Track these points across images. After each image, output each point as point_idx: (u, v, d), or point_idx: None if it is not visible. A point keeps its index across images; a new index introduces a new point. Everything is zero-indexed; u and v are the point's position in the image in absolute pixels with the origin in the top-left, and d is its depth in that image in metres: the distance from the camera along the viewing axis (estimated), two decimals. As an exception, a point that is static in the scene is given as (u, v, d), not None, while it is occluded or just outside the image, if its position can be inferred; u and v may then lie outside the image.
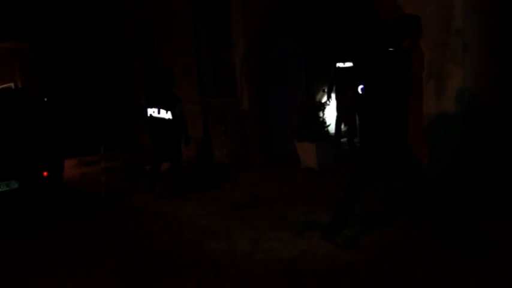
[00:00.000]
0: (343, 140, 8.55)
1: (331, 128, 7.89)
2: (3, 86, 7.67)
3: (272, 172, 7.30)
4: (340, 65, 8.09)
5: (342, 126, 8.49)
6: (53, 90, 11.10)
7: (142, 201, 6.41)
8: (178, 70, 9.50)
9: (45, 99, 9.55)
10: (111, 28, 11.82)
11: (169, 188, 6.42)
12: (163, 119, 6.09)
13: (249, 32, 7.70)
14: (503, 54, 5.17)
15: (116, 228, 5.42)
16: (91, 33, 11.71)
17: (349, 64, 8.00)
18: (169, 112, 6.06)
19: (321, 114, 7.10)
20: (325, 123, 7.06)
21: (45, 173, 6.09)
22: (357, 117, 8.11)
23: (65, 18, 11.48)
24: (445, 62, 4.99)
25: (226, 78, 8.74)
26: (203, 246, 4.58)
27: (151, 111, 6.19)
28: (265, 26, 7.49)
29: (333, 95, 8.21)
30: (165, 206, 6.07)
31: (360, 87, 5.55)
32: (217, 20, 8.68)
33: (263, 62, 7.85)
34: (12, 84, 7.60)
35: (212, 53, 8.98)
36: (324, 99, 8.13)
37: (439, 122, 5.14)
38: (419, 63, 5.20)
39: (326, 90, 8.39)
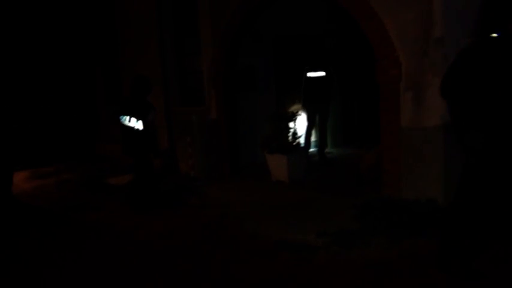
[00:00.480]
0: (312, 151, 8.28)
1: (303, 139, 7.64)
2: None
3: (242, 185, 6.93)
4: (310, 74, 7.87)
5: (312, 137, 8.24)
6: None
7: (102, 218, 5.91)
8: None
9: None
10: (74, 30, 11.10)
11: (133, 203, 5.98)
12: (133, 128, 5.79)
13: (217, 37, 7.34)
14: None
15: (67, 249, 4.92)
16: (52, 34, 10.96)
17: (321, 73, 7.79)
18: (140, 121, 5.74)
19: (292, 125, 6.80)
20: (297, 134, 6.76)
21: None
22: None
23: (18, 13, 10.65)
24: (424, 72, 4.78)
25: (193, 86, 8.34)
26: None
27: (123, 120, 5.86)
28: (234, 31, 7.15)
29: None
30: (127, 223, 5.60)
31: None
32: (184, 25, 8.28)
33: (232, 69, 7.50)
34: None
35: (179, 60, 8.56)
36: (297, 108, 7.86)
37: (417, 134, 4.91)
38: (396, 73, 4.98)
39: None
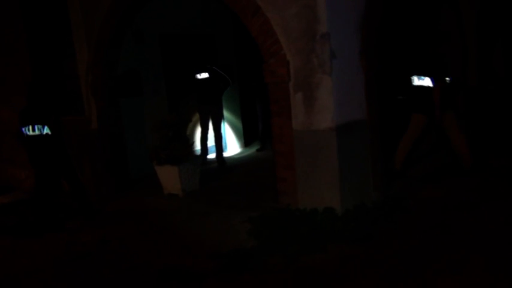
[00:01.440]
0: (211, 157, 7.75)
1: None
2: None
3: (129, 202, 6.18)
4: (198, 76, 7.37)
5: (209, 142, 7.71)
6: None
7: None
8: (9, 84, 7.89)
9: None
10: None
11: (82, 213, 5.65)
12: (40, 136, 5.27)
13: (93, 38, 6.48)
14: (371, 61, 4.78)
15: None
16: None
17: (205, 75, 7.33)
18: (45, 126, 5.26)
19: (184, 132, 6.20)
20: (188, 141, 6.15)
21: None
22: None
23: None
24: (313, 71, 4.41)
25: (72, 93, 7.36)
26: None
27: (26, 130, 5.31)
28: (111, 31, 6.35)
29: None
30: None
31: None
32: (56, 22, 7.23)
33: (112, 73, 6.68)
34: None
35: (53, 63, 7.52)
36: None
37: (309, 138, 4.55)
38: (284, 72, 4.57)
39: None
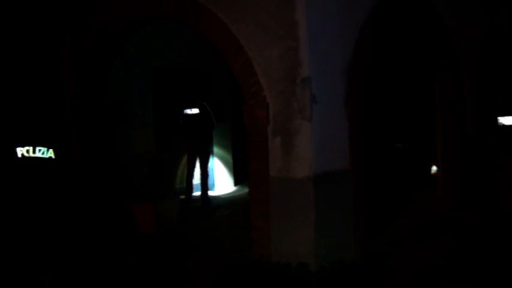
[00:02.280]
0: (197, 195, 7.45)
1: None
2: None
3: (100, 245, 5.64)
4: (187, 111, 7.18)
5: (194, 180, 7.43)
6: None
7: None
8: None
9: None
10: None
11: None
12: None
13: (79, 65, 6.32)
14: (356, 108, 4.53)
15: None
16: None
17: (195, 110, 7.13)
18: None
19: (165, 168, 5.94)
20: (166, 179, 5.89)
21: None
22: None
23: None
24: (292, 115, 4.17)
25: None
26: None
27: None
28: (100, 59, 6.20)
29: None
30: None
31: None
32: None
33: (99, 103, 6.50)
34: None
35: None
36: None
37: (286, 186, 4.26)
38: (263, 115, 4.33)
39: None
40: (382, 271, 4.33)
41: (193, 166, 7.28)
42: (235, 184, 8.70)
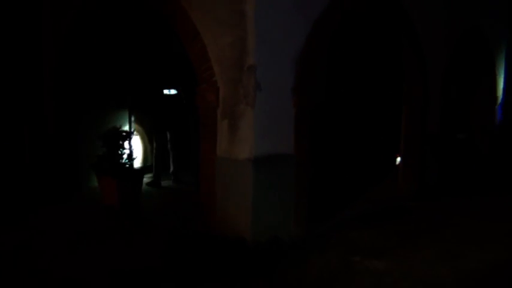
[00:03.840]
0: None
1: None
2: None
3: (65, 213, 6.02)
4: (166, 92, 7.43)
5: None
6: None
7: None
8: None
9: None
10: None
11: None
12: None
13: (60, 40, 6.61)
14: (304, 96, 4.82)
15: None
16: None
17: (173, 91, 7.38)
18: None
19: (127, 145, 6.23)
20: (132, 155, 6.21)
21: None
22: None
23: None
24: (238, 101, 4.47)
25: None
26: None
27: None
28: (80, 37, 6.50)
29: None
30: None
31: None
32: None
33: (79, 81, 6.81)
34: None
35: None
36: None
37: (230, 166, 4.58)
38: (213, 98, 4.63)
39: None
40: (314, 250, 4.66)
41: (164, 145, 7.56)
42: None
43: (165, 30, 6.12)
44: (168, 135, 7.46)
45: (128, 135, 6.15)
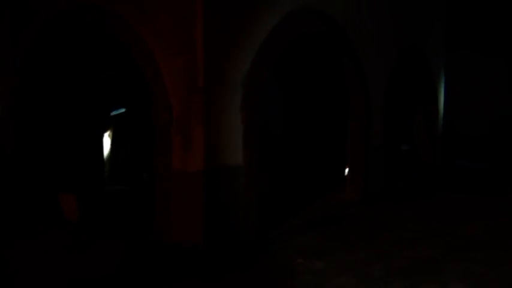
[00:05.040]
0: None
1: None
2: None
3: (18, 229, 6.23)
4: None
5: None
6: None
7: None
8: None
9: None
10: None
11: None
12: None
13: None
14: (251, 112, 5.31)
15: None
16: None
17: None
18: None
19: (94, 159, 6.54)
20: (91, 169, 6.51)
21: None
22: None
23: None
24: (190, 118, 4.90)
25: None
26: None
27: None
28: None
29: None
30: None
31: None
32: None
33: (40, 102, 7.05)
34: None
35: None
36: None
37: (184, 178, 4.99)
38: (167, 117, 5.05)
39: None
40: (263, 253, 5.11)
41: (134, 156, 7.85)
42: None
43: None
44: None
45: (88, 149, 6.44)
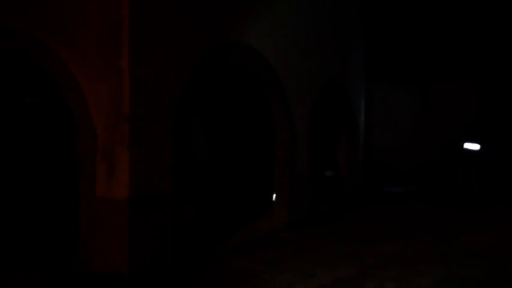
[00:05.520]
0: None
1: None
2: None
3: None
4: None
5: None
6: None
7: None
8: None
9: None
10: None
11: None
12: None
13: None
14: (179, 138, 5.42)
15: None
16: None
17: None
18: None
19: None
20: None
21: None
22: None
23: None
24: (115, 145, 4.93)
25: None
26: None
27: None
28: None
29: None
30: None
31: None
32: None
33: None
34: None
35: None
36: None
37: (109, 206, 4.96)
38: (92, 144, 5.03)
39: None
40: (190, 278, 5.16)
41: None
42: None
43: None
44: None
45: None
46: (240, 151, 10.21)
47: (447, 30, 12.70)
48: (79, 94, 5.12)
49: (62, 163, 7.39)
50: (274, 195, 8.88)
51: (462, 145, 11.69)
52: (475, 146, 11.56)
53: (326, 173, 10.55)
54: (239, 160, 10.18)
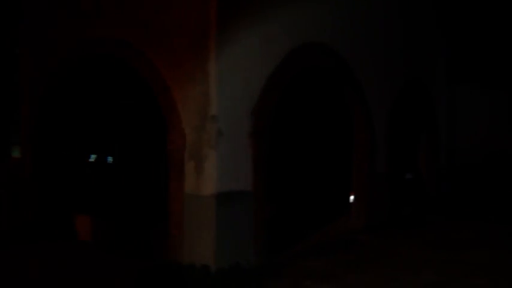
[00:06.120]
0: None
1: None
2: None
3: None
4: None
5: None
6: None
7: None
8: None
9: None
10: None
11: None
12: None
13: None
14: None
15: None
16: None
17: None
18: None
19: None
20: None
21: None
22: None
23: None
24: (202, 145, 5.19)
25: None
26: None
27: None
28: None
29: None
30: None
31: None
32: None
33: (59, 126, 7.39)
34: None
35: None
36: None
37: (196, 201, 5.24)
38: (181, 143, 5.34)
39: None
40: (271, 276, 5.29)
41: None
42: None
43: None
44: None
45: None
46: (317, 152, 10.21)
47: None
48: (169, 97, 5.45)
49: (152, 160, 7.86)
50: (351, 197, 8.82)
51: None
52: None
53: (406, 175, 10.26)
54: (316, 161, 10.19)
